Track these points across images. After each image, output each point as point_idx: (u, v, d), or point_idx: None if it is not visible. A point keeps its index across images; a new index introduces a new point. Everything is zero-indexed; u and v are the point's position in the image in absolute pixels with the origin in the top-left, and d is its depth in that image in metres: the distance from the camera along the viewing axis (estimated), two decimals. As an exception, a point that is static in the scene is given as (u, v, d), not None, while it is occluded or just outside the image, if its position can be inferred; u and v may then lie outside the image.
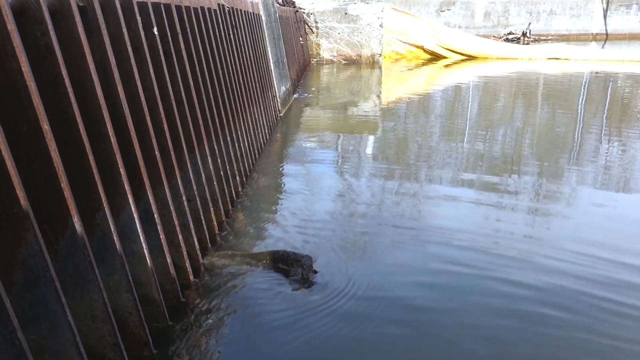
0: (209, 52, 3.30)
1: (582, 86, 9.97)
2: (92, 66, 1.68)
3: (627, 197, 3.75)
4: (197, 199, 2.67)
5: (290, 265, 2.52)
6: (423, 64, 13.86)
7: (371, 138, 5.51)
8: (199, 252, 2.59)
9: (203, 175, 2.81)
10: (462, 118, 6.74)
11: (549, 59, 14.09)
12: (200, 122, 2.91)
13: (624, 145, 5.26)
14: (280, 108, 6.73)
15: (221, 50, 3.66)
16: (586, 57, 14.06)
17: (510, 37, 20.46)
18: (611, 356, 1.93)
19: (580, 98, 8.45)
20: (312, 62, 13.82)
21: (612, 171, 4.33)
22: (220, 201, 3.11)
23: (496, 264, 2.60)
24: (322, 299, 2.31)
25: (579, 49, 14.94)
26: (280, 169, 4.38)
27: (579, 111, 7.24)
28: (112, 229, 1.72)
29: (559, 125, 6.38)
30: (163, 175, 2.22)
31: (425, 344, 2.00)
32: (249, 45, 4.96)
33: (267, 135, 5.38)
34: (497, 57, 14.63)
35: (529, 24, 22.35)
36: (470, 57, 14.75)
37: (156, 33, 2.34)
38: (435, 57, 15.00)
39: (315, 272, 2.49)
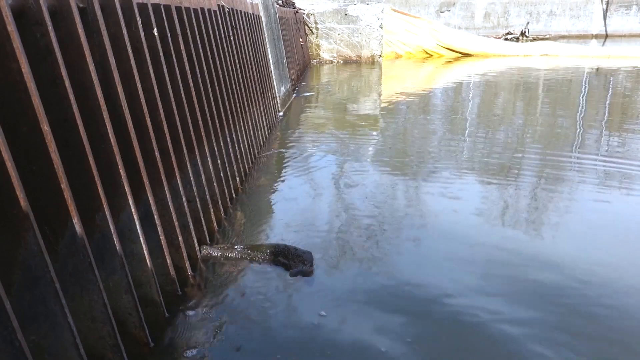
0: (208, 53, 3.31)
1: (573, 77, 10.99)
2: (92, 67, 1.68)
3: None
4: (197, 199, 2.67)
5: (291, 260, 2.53)
6: (423, 62, 14.04)
7: (372, 136, 5.51)
8: (198, 252, 2.59)
9: (203, 176, 2.82)
10: (470, 104, 7.61)
11: (541, 55, 14.95)
12: (200, 123, 2.91)
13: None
14: (280, 109, 6.73)
15: (221, 51, 3.67)
16: (575, 53, 14.98)
17: (509, 37, 20.56)
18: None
19: (574, 86, 9.83)
20: (312, 62, 13.83)
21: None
22: (220, 202, 3.12)
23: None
24: (323, 295, 2.31)
25: (568, 46, 15.93)
26: (280, 168, 4.38)
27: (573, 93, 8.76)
28: (112, 230, 1.72)
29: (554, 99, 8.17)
30: (163, 176, 2.22)
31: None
32: (249, 47, 4.97)
33: (267, 135, 5.39)
34: (495, 55, 15.25)
35: (527, 23, 22.39)
36: (470, 55, 15.12)
37: (156, 34, 2.35)
38: (437, 56, 15.18)
39: (313, 268, 2.50)
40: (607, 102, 7.74)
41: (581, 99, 8.12)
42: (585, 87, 9.46)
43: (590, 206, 3.48)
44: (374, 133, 5.77)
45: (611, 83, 9.93)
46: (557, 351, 1.92)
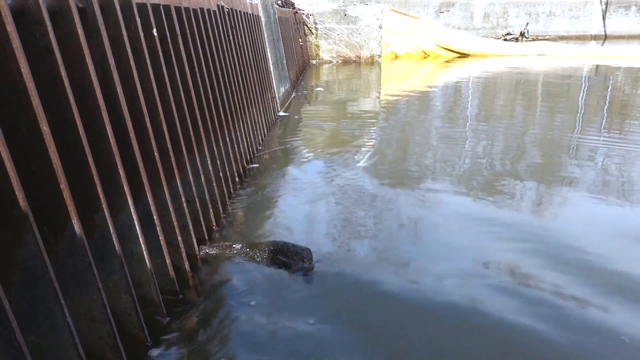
0: (208, 53, 3.31)
1: (568, 74, 11.43)
2: (91, 67, 1.68)
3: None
4: (197, 199, 2.67)
5: (290, 257, 2.53)
6: (422, 62, 14.15)
7: (371, 135, 5.51)
8: (198, 252, 2.59)
9: (202, 176, 2.82)
10: (470, 100, 8.02)
11: (538, 55, 15.22)
12: (200, 123, 2.91)
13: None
14: (279, 109, 6.73)
15: (220, 51, 3.67)
16: (571, 53, 15.23)
17: (508, 37, 20.61)
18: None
19: (570, 82, 10.34)
20: (312, 63, 13.83)
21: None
22: (219, 202, 3.12)
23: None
24: (322, 293, 2.31)
25: (564, 46, 16.25)
26: (279, 167, 4.38)
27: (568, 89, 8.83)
28: (112, 230, 1.72)
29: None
30: (162, 177, 2.22)
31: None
32: (248, 47, 4.97)
33: (266, 135, 5.40)
34: (493, 55, 15.49)
35: (527, 24, 22.41)
36: (469, 55, 15.28)
37: (155, 34, 2.35)
38: (434, 56, 15.27)
39: (314, 265, 2.50)
40: (600, 94, 8.42)
41: (580, 96, 8.55)
42: (583, 84, 9.98)
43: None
44: (373, 132, 5.78)
45: (608, 80, 10.48)
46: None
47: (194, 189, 2.65)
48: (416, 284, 2.41)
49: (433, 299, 2.27)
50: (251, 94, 4.79)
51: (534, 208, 3.48)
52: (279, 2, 10.08)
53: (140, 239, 1.92)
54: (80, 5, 1.73)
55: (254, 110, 4.89)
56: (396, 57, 15.12)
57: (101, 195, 1.67)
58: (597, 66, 12.55)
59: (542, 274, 2.50)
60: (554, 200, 3.62)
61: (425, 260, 2.66)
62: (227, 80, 3.78)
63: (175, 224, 2.31)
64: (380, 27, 13.98)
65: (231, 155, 3.65)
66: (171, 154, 2.36)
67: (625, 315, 2.17)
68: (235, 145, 3.87)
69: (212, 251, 2.62)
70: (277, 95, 6.69)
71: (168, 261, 2.18)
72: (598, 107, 7.51)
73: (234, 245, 2.65)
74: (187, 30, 2.87)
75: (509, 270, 2.55)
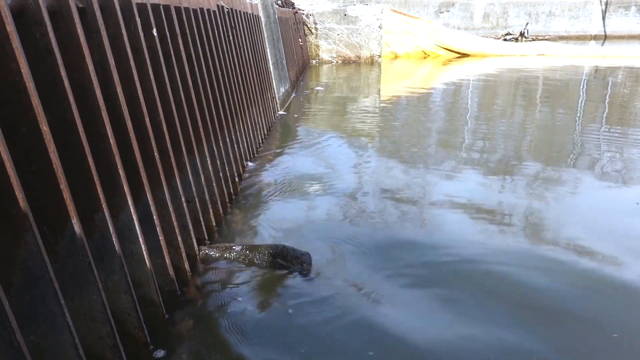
0: (208, 53, 3.31)
1: (567, 73, 11.69)
2: (91, 67, 1.68)
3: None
4: (197, 200, 2.67)
5: (289, 261, 2.52)
6: (422, 62, 14.21)
7: (370, 135, 5.51)
8: (198, 252, 2.59)
9: (202, 176, 2.82)
10: (470, 94, 8.21)
11: (537, 55, 15.32)
12: (200, 123, 2.92)
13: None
14: (279, 109, 6.74)
15: (220, 51, 3.67)
16: (570, 53, 15.34)
17: (508, 37, 20.63)
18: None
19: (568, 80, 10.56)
20: (312, 63, 13.83)
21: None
22: (219, 202, 3.12)
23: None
24: (321, 297, 2.31)
25: (563, 46, 16.41)
26: (278, 167, 4.38)
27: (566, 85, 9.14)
28: (111, 230, 1.72)
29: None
30: (162, 177, 2.22)
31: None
32: (248, 47, 4.97)
33: (266, 135, 5.40)
34: (493, 55, 15.57)
35: (527, 24, 22.41)
36: (469, 55, 15.34)
37: (155, 35, 2.35)
38: (434, 56, 15.31)
39: (312, 270, 2.50)
40: (600, 93, 8.63)
41: (579, 96, 8.74)
42: (582, 83, 10.16)
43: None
44: (373, 132, 5.78)
45: (607, 80, 10.72)
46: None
47: (193, 189, 2.65)
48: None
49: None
50: (251, 94, 4.79)
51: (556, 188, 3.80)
52: (279, 2, 10.08)
53: (140, 239, 1.92)
54: (80, 5, 1.73)
55: (254, 110, 4.89)
56: (396, 57, 15.13)
57: (101, 195, 1.67)
58: (597, 66, 12.65)
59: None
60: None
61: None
62: (227, 80, 3.78)
63: (175, 224, 2.31)
64: (380, 27, 13.99)
65: (231, 155, 3.65)
66: (171, 154, 2.36)
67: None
68: (236, 146, 3.87)
69: (212, 252, 2.62)
70: (277, 96, 6.69)
71: (168, 261, 2.18)
72: (597, 105, 7.65)
73: (234, 247, 2.65)
74: (187, 30, 2.88)
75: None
